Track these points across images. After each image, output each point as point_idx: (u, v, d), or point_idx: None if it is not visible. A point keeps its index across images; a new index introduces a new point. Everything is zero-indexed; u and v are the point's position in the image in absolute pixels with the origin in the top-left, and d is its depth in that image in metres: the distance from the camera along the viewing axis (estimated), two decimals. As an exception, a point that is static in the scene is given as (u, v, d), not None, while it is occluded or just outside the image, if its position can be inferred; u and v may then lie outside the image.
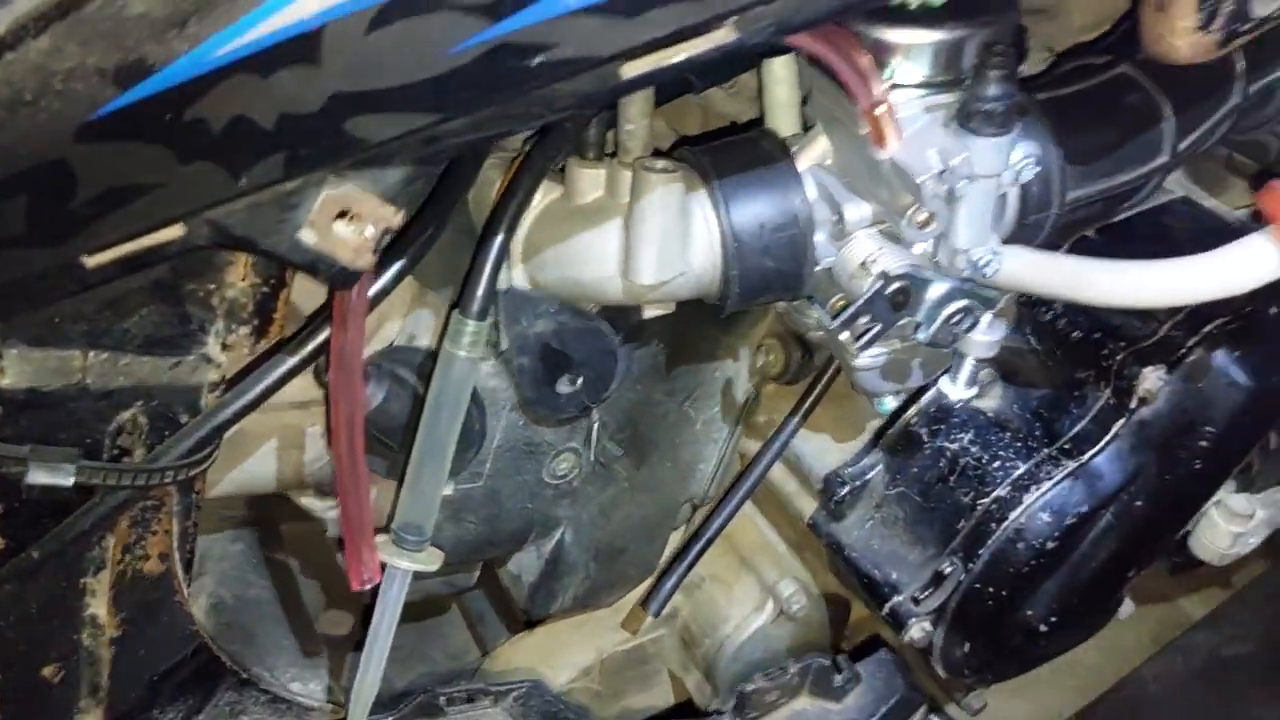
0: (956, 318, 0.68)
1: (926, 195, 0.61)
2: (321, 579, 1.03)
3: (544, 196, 0.73)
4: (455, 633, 1.12)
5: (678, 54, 0.46)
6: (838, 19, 0.50)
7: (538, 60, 0.44)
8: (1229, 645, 1.72)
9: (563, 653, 1.02)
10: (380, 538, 0.71)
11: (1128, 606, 1.01)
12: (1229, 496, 0.96)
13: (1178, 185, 0.90)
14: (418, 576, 0.72)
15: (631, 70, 0.47)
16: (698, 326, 0.88)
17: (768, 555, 1.01)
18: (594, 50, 0.44)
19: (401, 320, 0.79)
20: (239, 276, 0.57)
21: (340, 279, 0.51)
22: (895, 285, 0.65)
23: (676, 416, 0.93)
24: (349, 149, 0.45)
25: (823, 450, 0.93)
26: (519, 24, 0.42)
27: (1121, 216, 0.86)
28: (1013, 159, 0.66)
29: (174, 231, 0.48)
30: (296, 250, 0.49)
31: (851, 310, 0.66)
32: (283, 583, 1.00)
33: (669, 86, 0.76)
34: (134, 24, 0.40)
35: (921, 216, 0.64)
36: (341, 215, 0.49)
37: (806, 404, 0.91)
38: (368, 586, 0.67)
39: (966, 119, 0.62)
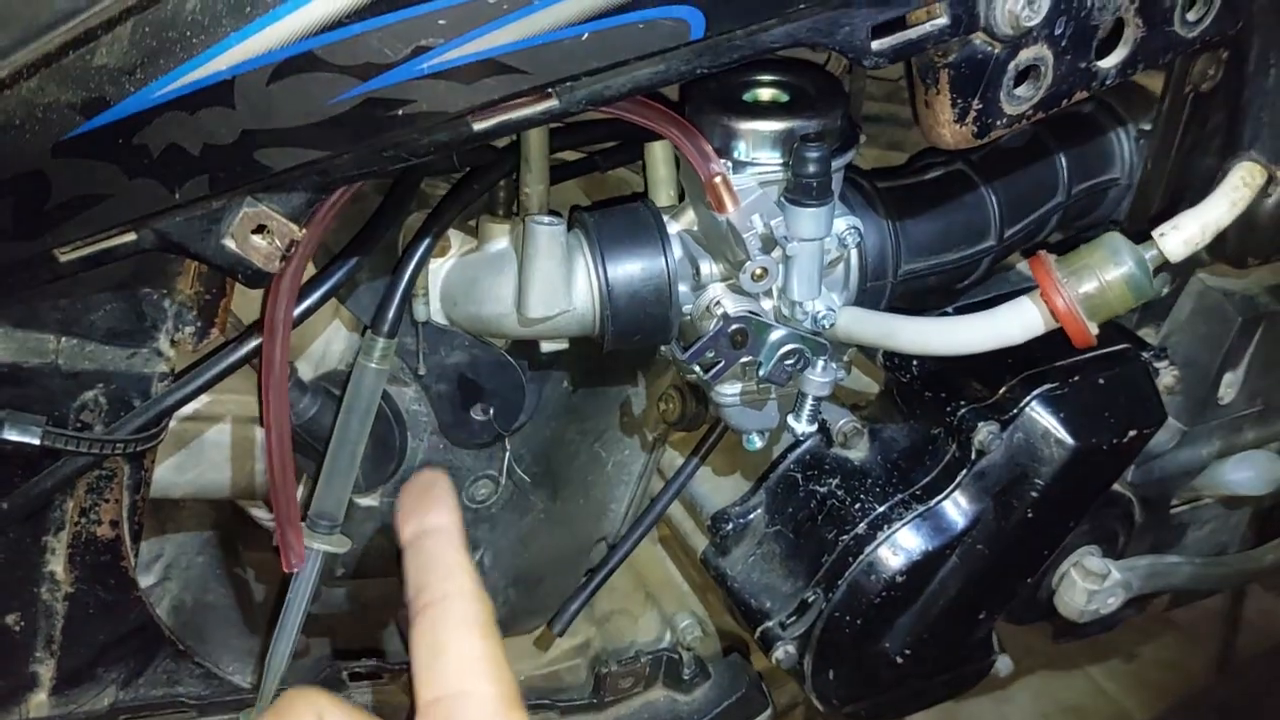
0: (790, 359, 0.80)
1: (754, 251, 0.74)
2: (273, 592, 1.14)
3: (461, 246, 0.87)
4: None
5: (515, 113, 0.61)
6: (644, 95, 0.64)
7: (400, 112, 0.58)
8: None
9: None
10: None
11: (1005, 663, 1.10)
12: (1086, 557, 1.05)
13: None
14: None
15: (480, 124, 0.61)
16: (605, 374, 1.01)
17: (670, 591, 1.12)
18: (444, 107, 0.58)
19: (342, 349, 0.93)
20: (187, 285, 0.72)
21: (254, 279, 0.65)
22: (734, 326, 0.78)
23: (588, 456, 1.05)
24: (258, 174, 0.59)
25: (715, 492, 1.04)
26: (383, 83, 0.57)
27: (981, 298, 0.99)
28: (837, 228, 0.79)
29: (127, 236, 0.63)
30: (220, 255, 0.63)
31: (698, 345, 0.78)
32: (239, 593, 1.11)
33: (580, 166, 0.91)
34: (97, 71, 0.55)
35: (756, 270, 0.76)
36: (258, 230, 0.64)
37: (704, 448, 1.03)
38: (296, 569, 0.79)
39: (789, 192, 0.76)
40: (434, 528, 0.61)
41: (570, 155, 0.90)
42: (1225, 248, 0.97)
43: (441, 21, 0.55)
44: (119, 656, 0.86)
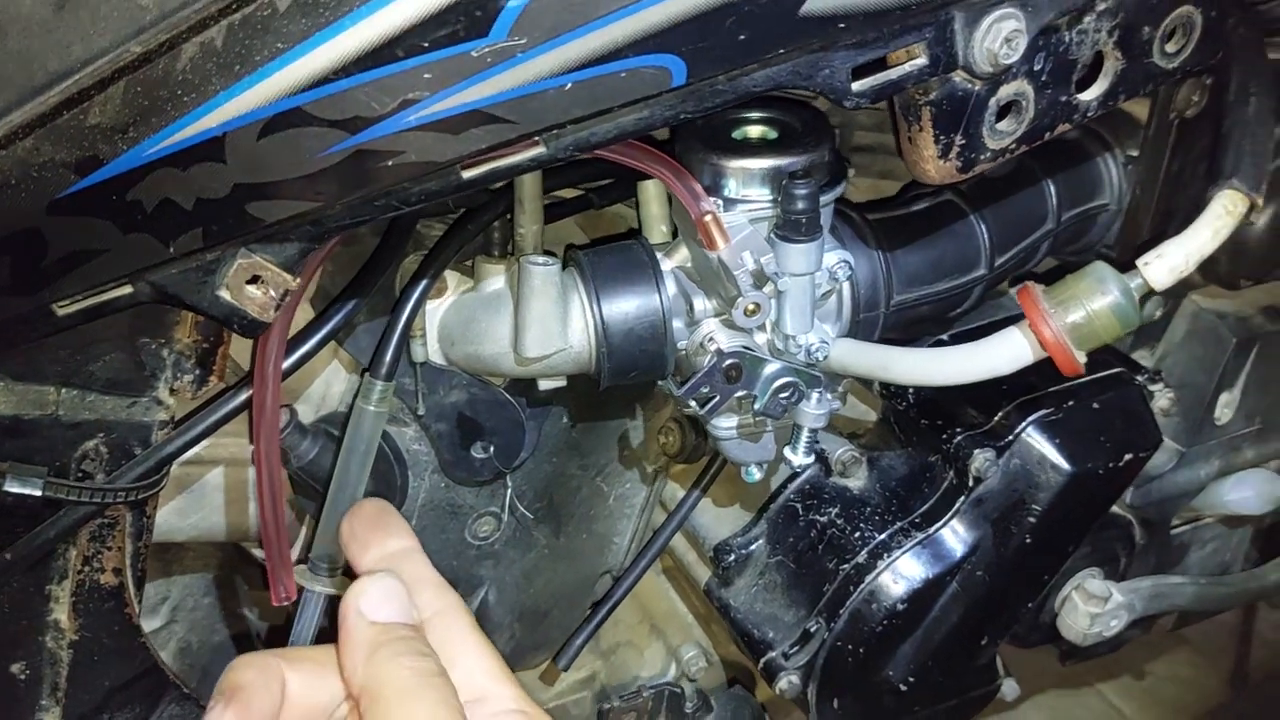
0: (785, 393, 0.80)
1: (745, 288, 0.75)
2: (274, 631, 1.15)
3: (457, 287, 0.88)
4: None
5: (503, 161, 0.62)
6: (634, 139, 0.65)
7: (390, 163, 0.59)
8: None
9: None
10: (299, 567, 0.84)
11: (1011, 687, 1.10)
12: (1088, 580, 1.05)
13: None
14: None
15: (470, 172, 0.62)
16: (603, 409, 1.01)
17: (675, 622, 1.12)
18: (433, 157, 0.59)
19: (342, 390, 0.94)
20: (185, 334, 0.72)
21: (249, 329, 0.65)
22: (728, 361, 0.78)
23: (589, 490, 1.06)
24: (250, 226, 0.60)
25: (717, 523, 1.04)
26: (371, 135, 0.58)
27: (974, 325, 0.99)
28: (828, 262, 0.80)
29: (123, 289, 0.64)
30: (216, 305, 0.64)
31: (693, 381, 0.79)
32: (243, 632, 1.12)
33: (575, 204, 0.92)
34: (90, 130, 0.56)
35: (748, 306, 0.77)
36: (253, 280, 0.64)
37: (705, 479, 1.03)
38: (285, 603, 0.80)
39: (779, 228, 0.76)
40: (402, 550, 0.64)
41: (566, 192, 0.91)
42: (1217, 270, 0.98)
43: (427, 75, 0.56)
44: (124, 702, 0.86)
